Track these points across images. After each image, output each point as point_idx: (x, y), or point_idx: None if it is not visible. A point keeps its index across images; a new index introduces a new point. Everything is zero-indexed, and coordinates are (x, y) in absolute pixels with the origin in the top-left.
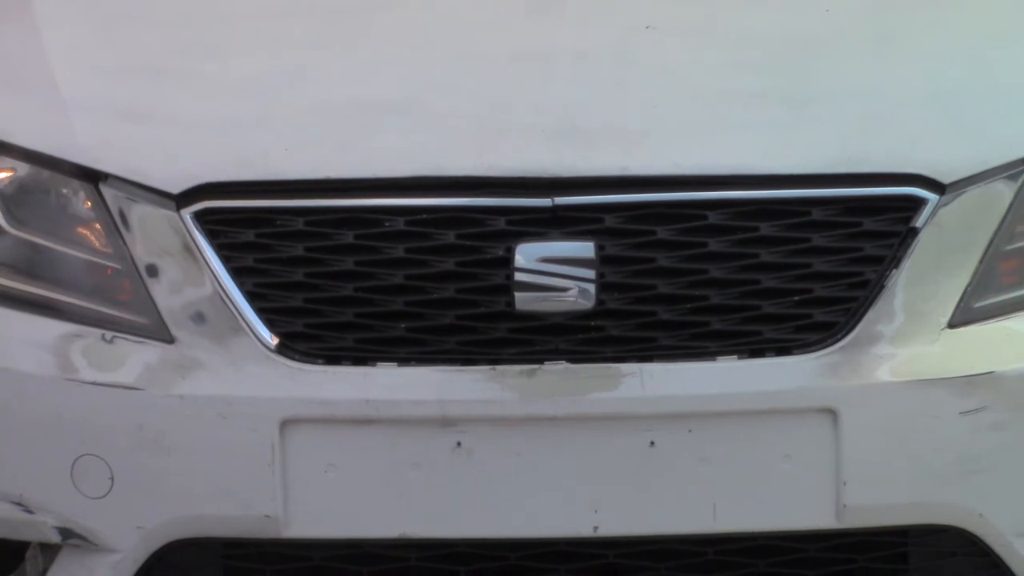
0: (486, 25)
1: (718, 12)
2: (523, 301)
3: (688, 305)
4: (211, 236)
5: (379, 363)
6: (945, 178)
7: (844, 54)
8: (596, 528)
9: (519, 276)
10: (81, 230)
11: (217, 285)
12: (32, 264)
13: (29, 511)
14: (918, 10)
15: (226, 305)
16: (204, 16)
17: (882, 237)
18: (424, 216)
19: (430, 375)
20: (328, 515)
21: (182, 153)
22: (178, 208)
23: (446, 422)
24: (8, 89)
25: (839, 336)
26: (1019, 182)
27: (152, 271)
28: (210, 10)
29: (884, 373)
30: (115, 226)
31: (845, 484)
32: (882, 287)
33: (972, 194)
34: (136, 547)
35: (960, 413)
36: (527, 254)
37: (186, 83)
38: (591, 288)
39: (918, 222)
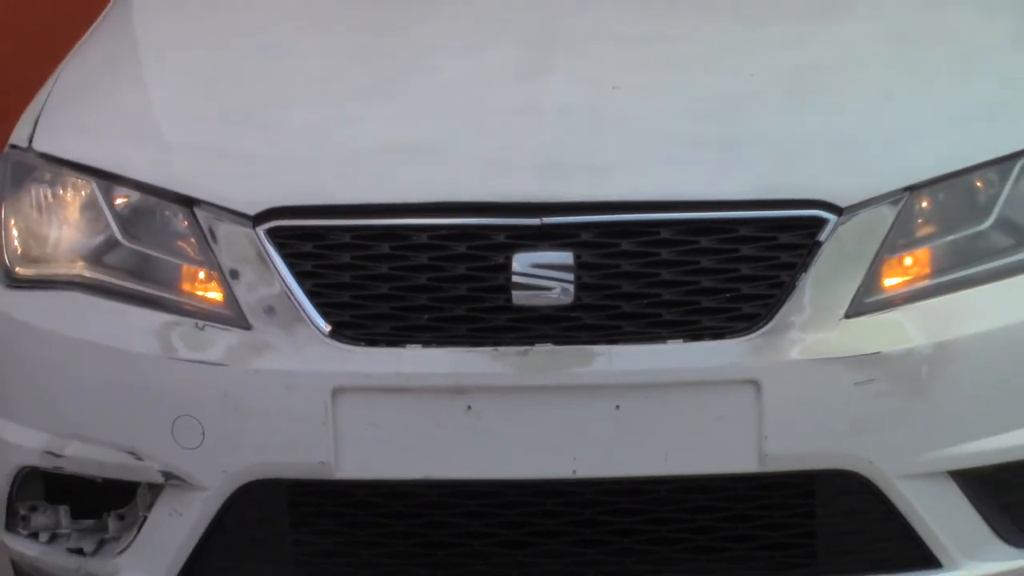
0: (490, 84)
1: (668, 76)
2: (518, 297)
3: (645, 300)
4: (279, 248)
5: (408, 345)
6: (842, 203)
7: (765, 108)
8: (574, 471)
9: (515, 278)
10: (180, 243)
11: (284, 285)
12: (142, 269)
13: (139, 459)
14: (824, 71)
15: (290, 301)
16: (274, 76)
17: (794, 248)
18: (442, 232)
19: (447, 354)
20: (369, 461)
21: (257, 184)
22: (254, 226)
23: (459, 390)
24: (125, 135)
25: (761, 324)
26: (900, 206)
27: (234, 274)
28: (277, 72)
29: (796, 353)
30: (206, 240)
31: (766, 438)
32: (794, 287)
33: (863, 215)
34: (222, 486)
35: (854, 384)
36: (521, 261)
37: (260, 129)
38: (571, 288)
39: (821, 237)
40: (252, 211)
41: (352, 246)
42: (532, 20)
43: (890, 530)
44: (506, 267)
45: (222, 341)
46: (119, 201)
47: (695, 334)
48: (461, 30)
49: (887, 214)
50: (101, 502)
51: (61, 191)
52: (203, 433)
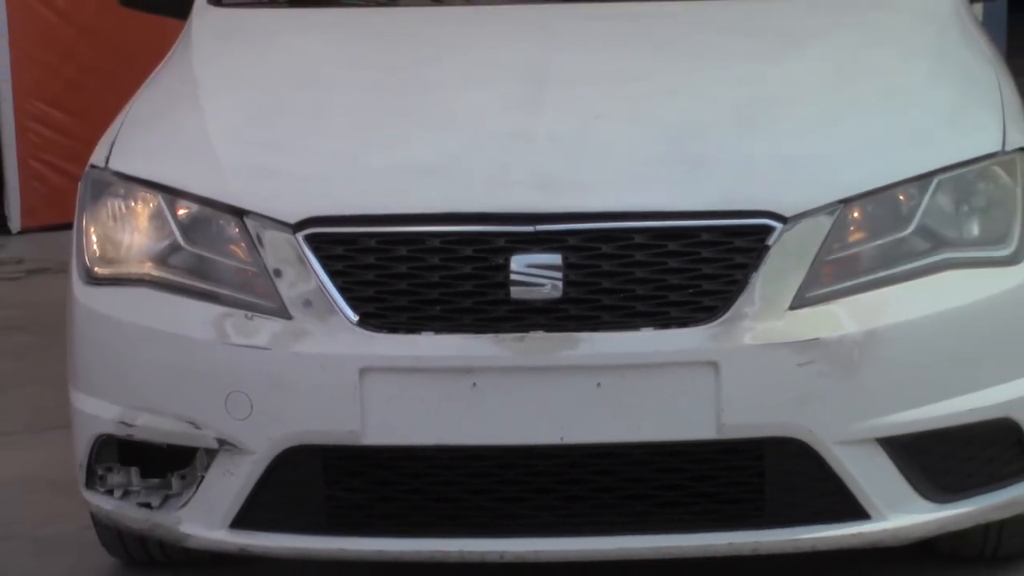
0: (491, 114)
1: (641, 106)
2: (516, 292)
3: (622, 295)
4: (315, 251)
5: (423, 332)
6: (787, 213)
7: (722, 133)
8: (562, 438)
9: (513, 276)
10: (232, 247)
11: (319, 282)
12: (200, 268)
13: (198, 428)
14: (772, 102)
15: (324, 295)
16: (309, 107)
17: (746, 251)
18: (451, 237)
19: (456, 340)
20: (390, 430)
21: (297, 198)
22: (294, 233)
23: (466, 370)
24: (186, 157)
25: (719, 315)
26: (835, 216)
27: (277, 273)
28: (312, 104)
29: (748, 339)
30: (254, 244)
31: (723, 411)
32: (747, 283)
33: (805, 224)
34: (267, 450)
35: (797, 365)
36: (518, 262)
37: (299, 152)
38: (559, 284)
39: (770, 241)
40: (293, 220)
41: (376, 249)
42: (526, 59)
43: (827, 488)
44: (505, 267)
45: (267, 329)
46: (181, 212)
47: (664, 323)
48: (467, 68)
49: (825, 222)
50: (165, 464)
51: (133, 204)
52: (251, 406)
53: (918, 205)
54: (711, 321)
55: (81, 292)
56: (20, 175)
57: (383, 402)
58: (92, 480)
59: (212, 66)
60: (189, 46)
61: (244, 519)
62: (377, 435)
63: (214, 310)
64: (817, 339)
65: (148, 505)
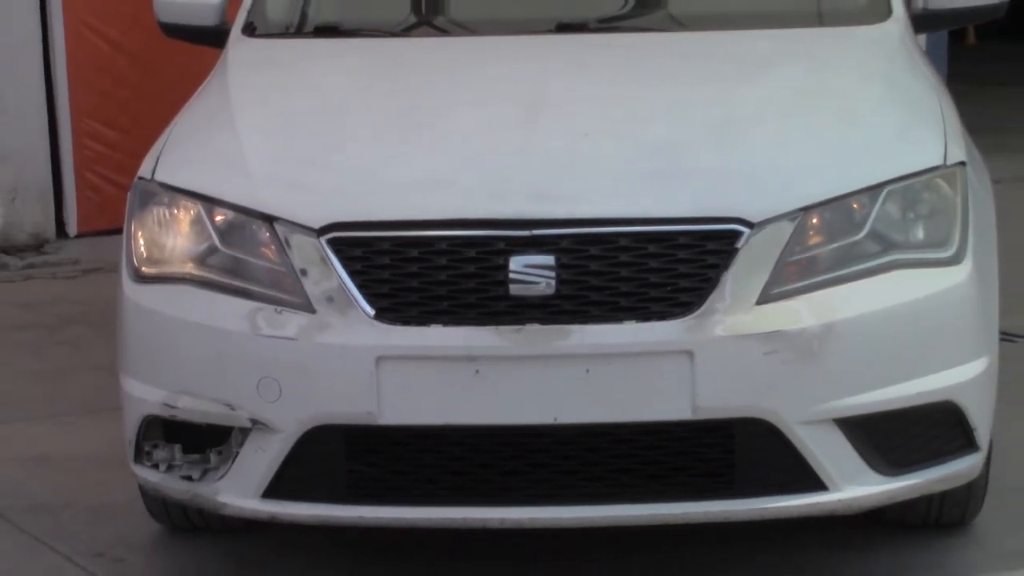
0: (493, 132)
1: (625, 125)
2: (514, 289)
3: (607, 292)
4: (337, 253)
5: (432, 325)
6: (754, 219)
7: (697, 149)
8: (555, 418)
9: (511, 275)
10: (263, 249)
11: (340, 280)
12: (235, 268)
13: (233, 409)
14: (741, 122)
15: (345, 292)
16: (331, 127)
17: (718, 253)
18: (456, 241)
19: (461, 332)
20: (403, 411)
21: (321, 206)
22: (318, 237)
23: (470, 359)
24: (222, 169)
25: (694, 310)
26: (796, 222)
27: (303, 273)
28: (333, 124)
29: (720, 331)
30: (282, 247)
31: (697, 395)
32: (718, 282)
33: (769, 229)
34: (294, 429)
35: (763, 353)
36: (517, 262)
37: (323, 165)
38: (553, 282)
39: (738, 245)
40: (317, 226)
41: (390, 252)
42: (523, 84)
43: (790, 463)
44: (504, 267)
45: (294, 322)
46: (218, 218)
47: (645, 316)
48: (470, 92)
49: (787, 228)
50: (204, 441)
51: (175, 211)
52: (280, 390)
53: (870, 212)
54: (687, 315)
55: (130, 289)
56: (76, 186)
57: (397, 387)
58: (140, 456)
59: (245, 89)
60: (225, 72)
61: (274, 490)
62: (392, 416)
63: (247, 305)
64: (780, 331)
65: (189, 478)
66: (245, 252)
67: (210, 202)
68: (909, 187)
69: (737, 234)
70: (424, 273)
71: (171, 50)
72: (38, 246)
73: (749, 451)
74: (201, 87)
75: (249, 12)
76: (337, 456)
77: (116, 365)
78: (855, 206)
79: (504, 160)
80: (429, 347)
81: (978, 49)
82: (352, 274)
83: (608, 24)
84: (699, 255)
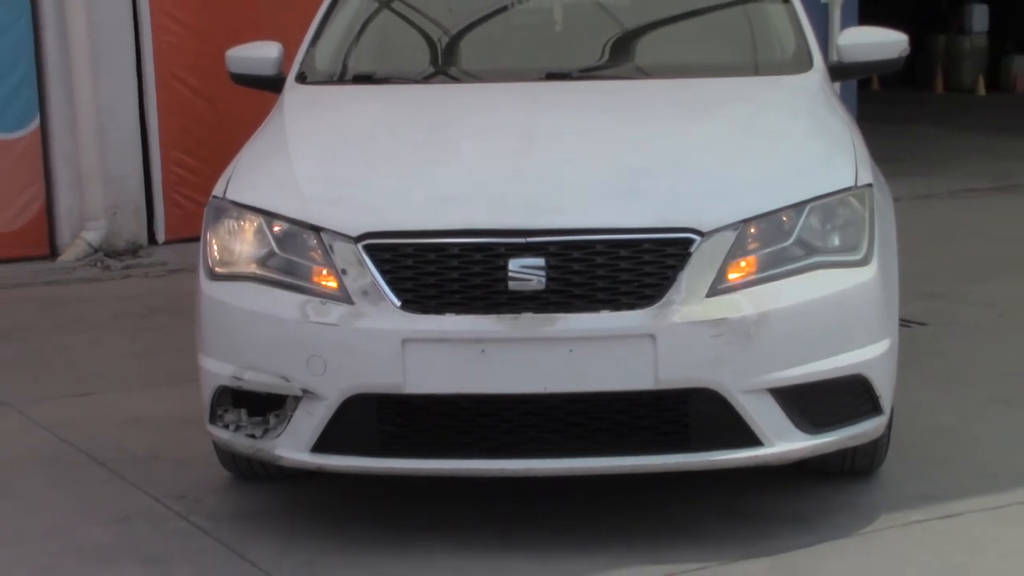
0: (496, 159)
1: (601, 152)
2: (512, 285)
3: (587, 287)
4: (371, 256)
5: (447, 314)
6: (704, 229)
7: (658, 172)
8: (545, 388)
9: (510, 274)
10: (311, 253)
11: (373, 278)
12: (289, 268)
13: (288, 381)
14: (693, 151)
15: (377, 287)
16: (365, 155)
17: (676, 256)
18: (466, 247)
19: (470, 320)
20: (424, 382)
21: (358, 219)
22: (355, 243)
23: (477, 341)
24: (279, 190)
25: (656, 302)
26: (737, 231)
27: (343, 272)
28: (367, 153)
29: (676, 318)
30: (327, 251)
31: (659, 369)
32: (675, 279)
33: (716, 237)
34: (336, 397)
35: (711, 336)
36: (514, 264)
37: (359, 186)
38: (543, 279)
39: (692, 249)
40: (355, 234)
41: (413, 255)
42: (520, 121)
43: (733, 424)
44: (505, 267)
45: (336, 311)
46: (276, 229)
47: (617, 307)
48: (478, 126)
49: (730, 236)
50: (265, 406)
51: (242, 223)
52: (325, 366)
53: (796, 224)
54: (650, 306)
55: (206, 285)
56: (164, 203)
57: (419, 363)
58: (213, 418)
59: (297, 126)
60: (282, 112)
61: (321, 446)
62: (415, 386)
63: (298, 298)
64: (725, 319)
65: (253, 436)
66: (297, 255)
67: (269, 216)
68: (828, 204)
69: (691, 241)
70: (440, 272)
71: (239, 95)
72: (134, 251)
73: (700, 414)
74: (263, 124)
75: (301, 64)
76: (371, 418)
77: (195, 346)
78: (785, 219)
79: (504, 181)
80: (444, 332)
81: (881, 94)
82: (383, 273)
83: (588, 73)
84: (660, 258)
